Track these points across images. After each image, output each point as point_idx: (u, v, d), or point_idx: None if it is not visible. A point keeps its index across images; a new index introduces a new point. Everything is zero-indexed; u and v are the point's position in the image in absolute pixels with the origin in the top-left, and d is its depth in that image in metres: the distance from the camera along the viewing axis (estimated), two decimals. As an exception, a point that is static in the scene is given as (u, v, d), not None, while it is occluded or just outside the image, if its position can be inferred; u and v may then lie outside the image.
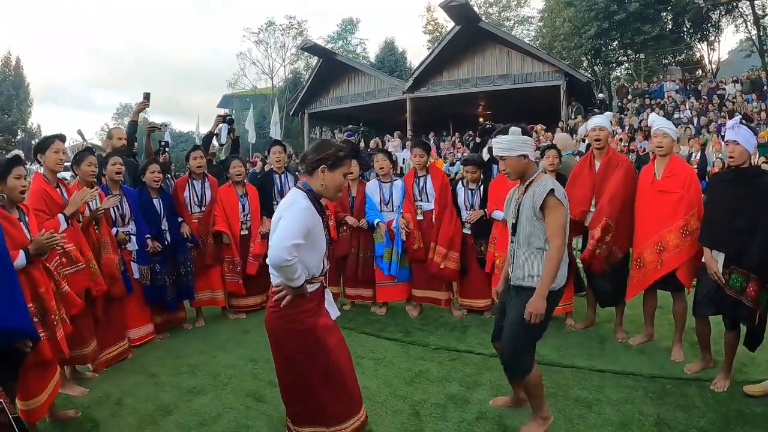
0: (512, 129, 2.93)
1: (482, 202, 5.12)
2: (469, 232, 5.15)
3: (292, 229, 2.41)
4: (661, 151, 4.11)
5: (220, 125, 6.12)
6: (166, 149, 5.66)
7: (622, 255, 4.40)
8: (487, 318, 5.16)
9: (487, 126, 6.00)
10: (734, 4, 24.47)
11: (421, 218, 5.21)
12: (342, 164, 2.62)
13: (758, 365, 3.87)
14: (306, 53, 28.89)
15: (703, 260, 3.73)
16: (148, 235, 4.47)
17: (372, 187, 5.37)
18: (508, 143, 2.92)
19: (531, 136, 3.01)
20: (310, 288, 2.61)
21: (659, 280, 4.09)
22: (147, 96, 5.56)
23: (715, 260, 3.55)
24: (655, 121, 4.26)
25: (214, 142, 6.47)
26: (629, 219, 4.30)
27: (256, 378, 3.88)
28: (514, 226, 3.00)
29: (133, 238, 4.42)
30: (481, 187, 5.17)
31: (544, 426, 3.06)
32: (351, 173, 5.27)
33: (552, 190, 2.83)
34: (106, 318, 3.94)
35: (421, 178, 5.26)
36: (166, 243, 4.68)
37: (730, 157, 3.55)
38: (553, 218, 2.85)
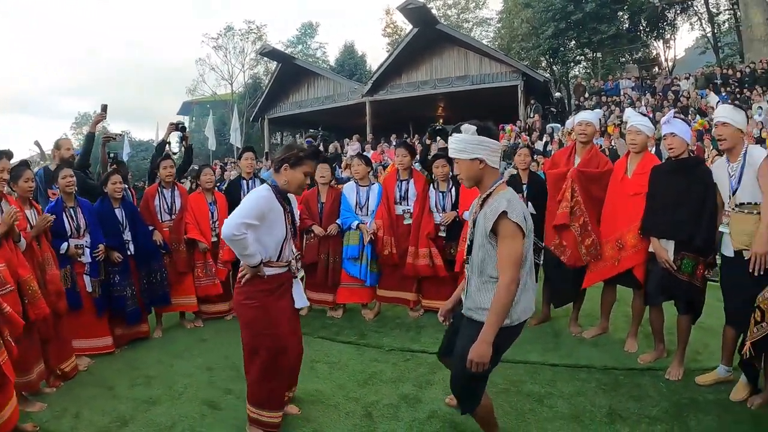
0: (464, 127, 2.45)
1: (454, 205, 5.08)
2: (444, 234, 5.08)
3: (245, 210, 2.78)
4: (635, 147, 4.09)
5: (172, 133, 6.01)
6: (115, 161, 5.54)
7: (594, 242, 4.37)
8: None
9: (438, 127, 5.98)
10: (689, 2, 25.39)
11: (410, 222, 5.11)
12: (302, 163, 2.93)
13: (711, 353, 3.92)
14: (265, 58, 28.67)
15: (650, 250, 3.77)
16: (101, 244, 4.37)
17: (349, 189, 5.31)
18: (458, 143, 2.45)
19: (494, 137, 2.47)
20: (269, 271, 2.93)
21: (621, 275, 4.12)
22: (104, 108, 5.51)
23: (664, 249, 3.62)
24: (631, 116, 4.18)
25: (168, 149, 6.31)
26: (596, 220, 4.32)
27: (212, 386, 3.81)
28: (470, 246, 2.55)
29: (87, 251, 4.32)
30: (452, 189, 5.11)
31: None
32: (322, 176, 5.25)
33: (504, 212, 2.30)
34: (57, 334, 3.81)
35: (404, 182, 5.18)
36: (128, 254, 4.63)
37: (670, 149, 3.65)
38: (505, 247, 2.32)
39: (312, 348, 4.41)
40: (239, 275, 2.98)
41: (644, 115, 4.24)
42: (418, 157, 5.84)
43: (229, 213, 5.09)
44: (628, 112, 4.36)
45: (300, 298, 3.13)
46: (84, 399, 3.65)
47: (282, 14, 66.16)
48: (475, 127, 2.42)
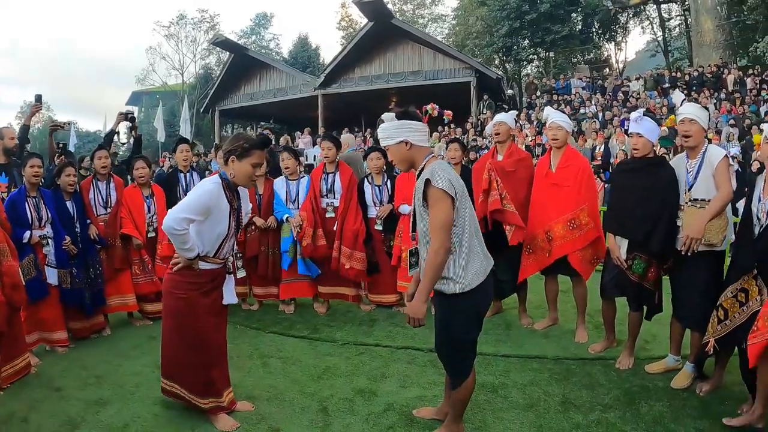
0: (385, 115, 2.64)
1: (390, 198, 5.06)
2: (380, 228, 5.07)
3: (188, 205, 2.72)
4: (556, 143, 4.24)
5: (121, 123, 5.82)
6: (65, 151, 5.35)
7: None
8: (395, 312, 5.10)
9: (392, 110, 5.92)
10: (641, 7, 26.31)
11: (332, 215, 5.07)
12: (249, 155, 2.81)
13: (660, 342, 4.03)
14: (218, 48, 28.02)
15: (607, 245, 3.83)
16: (67, 236, 4.27)
17: (279, 184, 5.22)
18: (384, 131, 2.63)
19: (415, 119, 2.63)
20: (203, 266, 2.89)
21: (559, 265, 4.22)
22: (38, 98, 5.32)
23: (618, 246, 3.66)
24: (550, 114, 4.33)
25: (116, 140, 6.09)
26: (523, 209, 4.41)
27: (163, 384, 3.64)
28: (413, 222, 2.70)
29: (50, 241, 4.23)
30: (388, 183, 5.11)
31: None
32: (260, 164, 5.04)
33: (428, 180, 2.44)
34: (10, 329, 3.59)
35: (330, 175, 5.12)
36: (80, 246, 4.46)
37: (635, 149, 3.60)
38: (434, 212, 2.44)
39: (264, 343, 4.34)
40: (172, 261, 2.94)
41: (563, 112, 4.38)
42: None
43: (168, 207, 5.01)
44: (548, 109, 4.53)
45: (229, 294, 3.08)
46: (31, 401, 3.45)
47: (236, 4, 64.63)
48: (394, 114, 2.63)
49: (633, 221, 3.55)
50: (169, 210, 2.74)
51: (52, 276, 4.20)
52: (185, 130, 19.58)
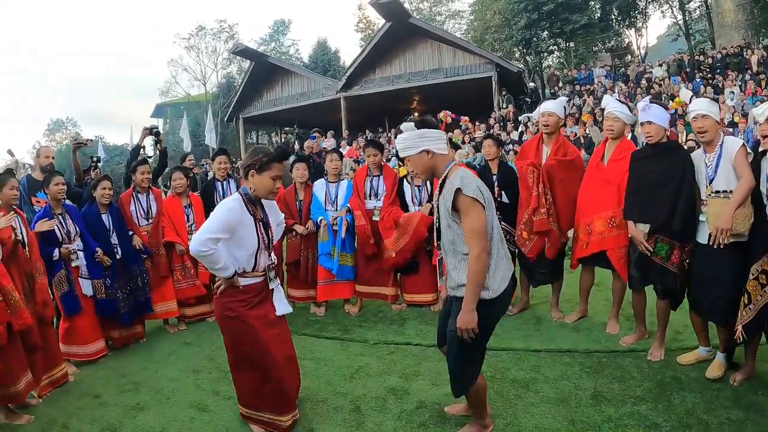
0: (404, 125, 2.63)
1: (430, 197, 5.05)
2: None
3: (211, 225, 2.76)
4: (612, 134, 4.11)
5: (146, 137, 6.01)
6: (98, 164, 5.58)
7: (565, 240, 4.48)
8: (425, 311, 5.12)
9: (410, 119, 5.93)
10: None
11: (378, 219, 5.08)
12: (268, 168, 2.83)
13: (691, 332, 3.93)
14: (238, 57, 28.38)
15: (629, 235, 3.80)
16: (98, 248, 4.42)
17: (319, 186, 5.29)
18: (404, 141, 2.61)
19: (434, 127, 2.64)
20: (244, 282, 2.91)
21: (600, 257, 4.16)
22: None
23: (640, 231, 3.64)
24: (609, 103, 4.18)
25: (143, 154, 6.31)
26: (572, 205, 4.36)
27: (199, 389, 3.78)
28: (438, 231, 2.69)
29: (81, 254, 4.37)
30: (428, 182, 5.08)
31: None
32: (301, 175, 5.23)
33: (459, 189, 2.44)
34: (44, 342, 3.75)
35: (375, 178, 5.17)
36: (117, 257, 4.64)
37: (648, 136, 3.62)
38: (468, 221, 2.45)
39: (297, 346, 4.27)
40: (215, 286, 2.97)
41: (622, 102, 4.27)
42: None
43: (206, 215, 5.15)
44: (607, 98, 4.36)
45: (282, 304, 3.11)
46: (71, 409, 3.59)
47: (254, 12, 65.49)
48: (413, 123, 2.62)
49: (654, 205, 3.55)
50: (193, 235, 2.82)
51: (86, 287, 4.38)
52: (211, 139, 19.91)
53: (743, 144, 3.21)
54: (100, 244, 4.47)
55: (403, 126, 2.64)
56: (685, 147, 3.85)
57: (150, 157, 6.50)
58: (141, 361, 4.43)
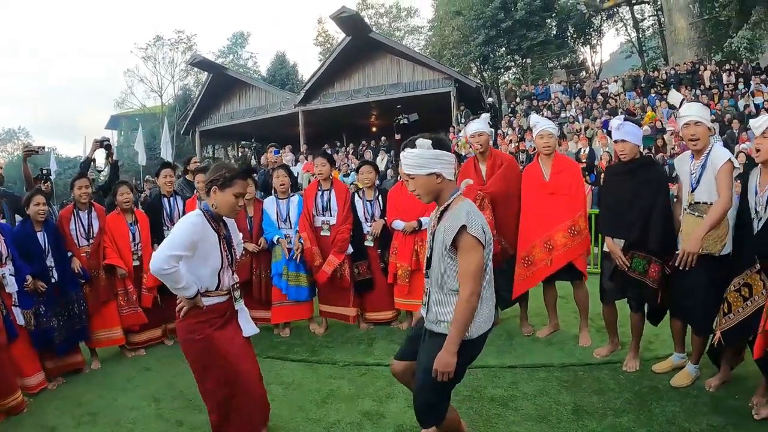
0: (419, 141, 2.40)
1: (382, 213, 4.97)
2: (371, 244, 4.98)
3: (174, 241, 2.61)
4: (548, 150, 4.19)
5: (97, 150, 5.75)
6: (49, 176, 5.24)
7: (513, 252, 4.42)
8: (393, 328, 5.02)
9: (402, 122, 5.83)
10: (615, 9, 26.81)
11: (328, 234, 4.95)
12: (231, 184, 2.73)
13: (663, 341, 4.01)
14: (196, 68, 27.95)
15: (605, 249, 3.81)
16: (29, 275, 4.01)
17: (269, 203, 5.09)
18: (415, 159, 2.38)
19: (448, 149, 2.44)
20: (208, 301, 2.76)
21: (558, 272, 4.17)
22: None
23: (617, 246, 3.63)
24: (540, 121, 4.29)
25: (94, 167, 6.02)
26: (515, 217, 4.37)
27: (161, 419, 3.51)
28: (429, 260, 2.51)
29: (12, 279, 3.93)
30: (379, 197, 5.02)
31: None
32: (243, 193, 4.95)
33: (464, 226, 2.29)
34: None
35: (326, 192, 5.02)
36: (52, 281, 4.24)
37: (622, 154, 3.62)
38: (467, 260, 2.30)
39: (263, 369, 4.02)
40: (177, 308, 2.78)
41: (549, 118, 4.37)
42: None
43: (152, 233, 4.96)
44: (535, 117, 4.47)
45: (248, 325, 2.96)
46: (25, 443, 3.30)
47: (213, 24, 64.69)
48: (430, 141, 2.38)
49: (625, 221, 3.57)
50: (154, 252, 2.62)
51: (19, 317, 3.94)
52: (166, 152, 19.40)
53: (730, 159, 3.16)
54: (35, 266, 4.09)
55: (419, 141, 2.40)
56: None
57: (101, 171, 6.19)
58: (97, 388, 4.13)
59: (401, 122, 5.72)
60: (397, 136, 5.73)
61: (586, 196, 4.16)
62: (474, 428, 3.03)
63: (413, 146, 2.41)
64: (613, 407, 3.20)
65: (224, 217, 2.86)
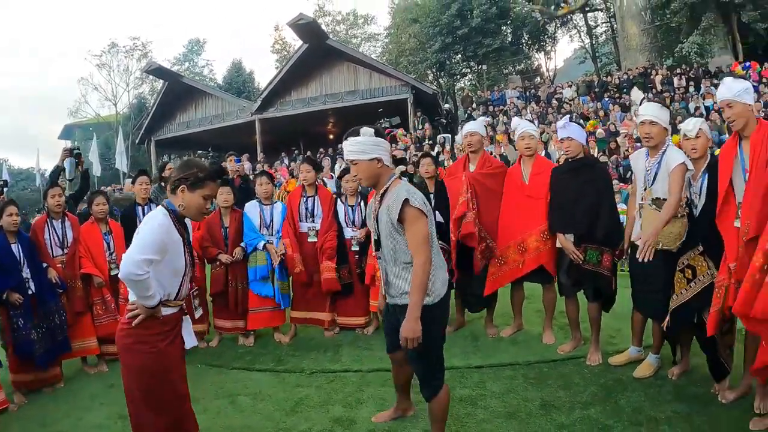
0: (364, 129, 2.65)
1: (363, 220, 4.94)
2: (357, 248, 4.95)
3: (146, 244, 2.40)
4: (529, 152, 4.29)
5: (66, 159, 5.59)
6: (4, 188, 5.14)
7: (495, 251, 4.46)
8: (359, 334, 5.00)
9: (384, 125, 5.88)
10: (569, 17, 27.63)
11: (315, 240, 4.91)
12: (202, 185, 2.55)
13: (624, 336, 4.12)
14: (151, 76, 27.41)
15: (558, 245, 3.98)
16: (5, 288, 3.94)
17: (251, 209, 5.02)
18: (360, 145, 2.62)
19: (385, 138, 2.75)
20: (166, 311, 2.54)
21: (528, 274, 4.26)
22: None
23: (569, 241, 3.83)
24: (520, 123, 4.42)
25: (63, 176, 5.88)
26: (497, 219, 4.42)
27: (129, 437, 3.37)
28: (378, 242, 2.72)
29: None
30: (362, 203, 4.99)
31: None
32: (225, 200, 4.94)
33: (407, 200, 2.52)
34: None
35: (310, 198, 4.98)
36: (30, 292, 4.13)
37: (567, 151, 3.93)
38: (414, 230, 2.53)
39: (229, 381, 4.12)
40: (128, 315, 2.50)
41: (531, 121, 4.50)
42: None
43: (127, 243, 4.75)
44: (517, 120, 4.63)
45: (190, 337, 2.73)
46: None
47: (168, 30, 63.37)
48: (373, 130, 2.65)
49: (575, 217, 3.79)
50: (123, 258, 2.39)
51: None
52: (121, 162, 18.95)
53: (683, 162, 3.29)
54: (10, 278, 3.99)
55: (363, 130, 2.63)
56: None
57: (71, 180, 6.05)
58: (62, 406, 3.97)
59: (383, 126, 5.78)
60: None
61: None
62: (446, 428, 3.03)
63: (357, 134, 2.64)
64: (580, 400, 3.28)
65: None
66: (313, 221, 4.96)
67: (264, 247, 4.84)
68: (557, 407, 3.22)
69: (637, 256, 3.24)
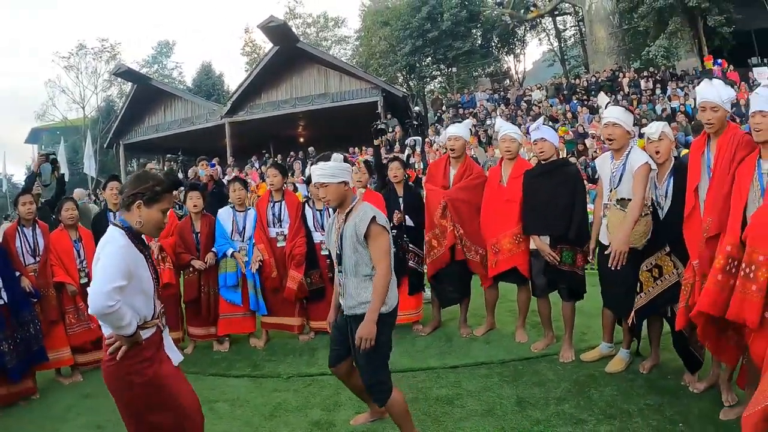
0: (335, 156, 2.91)
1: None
2: (327, 253, 4.92)
3: (111, 271, 2.20)
4: (509, 154, 4.34)
5: (42, 164, 5.58)
6: None
7: (484, 251, 4.49)
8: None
9: (380, 126, 5.88)
10: (538, 20, 28.07)
11: (284, 245, 4.92)
12: (159, 199, 2.40)
13: (595, 332, 4.22)
14: (120, 79, 26.88)
15: (532, 247, 4.06)
16: None
17: (225, 215, 4.99)
18: (330, 169, 2.87)
19: (352, 165, 3.04)
20: (145, 334, 2.34)
21: (504, 274, 4.33)
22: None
23: (545, 243, 3.90)
24: (503, 126, 4.46)
25: (38, 181, 5.80)
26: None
27: (106, 448, 3.31)
28: (339, 256, 2.95)
29: None
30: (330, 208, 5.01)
31: None
32: (195, 205, 4.92)
33: (374, 218, 2.81)
34: None
35: (277, 203, 4.98)
36: (2, 302, 4.01)
37: (541, 152, 3.98)
38: (378, 244, 2.82)
39: (206, 387, 4.05)
40: (110, 350, 2.30)
41: (514, 124, 4.55)
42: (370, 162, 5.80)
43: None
44: (500, 122, 4.65)
45: (174, 353, 2.55)
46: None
47: (137, 32, 61.99)
48: (342, 156, 2.94)
49: (550, 218, 3.87)
50: (90, 291, 2.19)
51: None
52: (89, 167, 18.53)
53: (647, 162, 3.39)
54: None
55: (335, 156, 2.90)
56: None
57: (47, 185, 5.95)
58: (36, 419, 3.87)
59: (379, 126, 5.81)
60: (376, 141, 5.81)
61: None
62: (424, 428, 3.10)
63: (328, 159, 2.89)
64: (555, 396, 3.37)
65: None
66: (281, 226, 4.97)
67: (232, 255, 4.82)
68: (532, 404, 3.30)
69: (610, 264, 3.32)
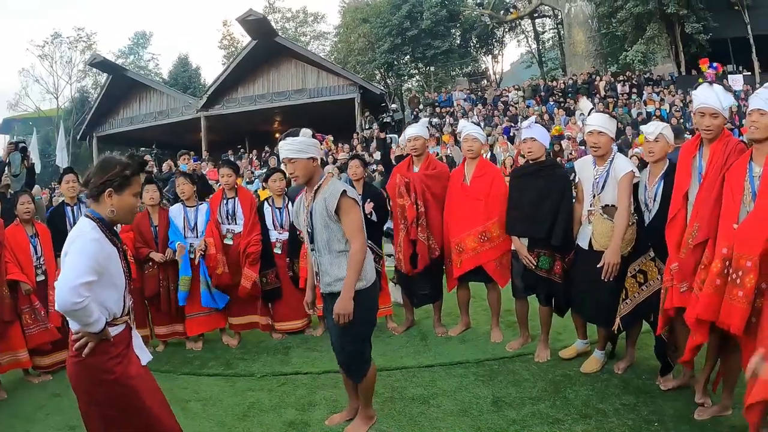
0: (303, 131, 2.87)
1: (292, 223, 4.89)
2: (279, 251, 4.90)
3: (80, 266, 2.09)
4: (471, 154, 4.35)
5: (11, 153, 5.43)
6: None
7: (439, 252, 4.51)
8: (307, 336, 4.96)
9: (386, 120, 5.88)
10: (517, 22, 28.29)
11: (231, 243, 4.86)
12: (130, 184, 2.29)
13: (571, 332, 4.20)
14: (95, 69, 26.34)
15: (513, 248, 4.05)
16: None
17: (175, 211, 4.89)
18: (299, 144, 2.82)
19: (320, 142, 3.02)
20: (114, 331, 2.25)
21: (472, 273, 4.32)
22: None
23: (523, 245, 3.87)
24: (466, 126, 4.48)
25: (7, 171, 5.64)
26: (441, 220, 4.48)
27: (77, 449, 3.19)
28: (311, 234, 2.93)
29: None
30: (289, 205, 4.93)
31: (369, 423, 3.08)
32: (151, 198, 4.80)
33: (344, 192, 2.79)
34: None
35: (230, 201, 4.93)
36: None
37: (529, 152, 3.89)
38: (350, 219, 2.81)
39: (179, 386, 3.99)
40: (76, 345, 2.20)
41: (477, 124, 4.55)
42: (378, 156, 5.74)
43: (55, 247, 4.54)
44: (463, 122, 4.70)
45: (143, 352, 2.43)
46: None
47: (113, 22, 60.53)
48: (311, 131, 2.88)
49: (533, 220, 3.80)
50: (56, 286, 2.08)
51: None
52: (62, 159, 18.11)
53: (631, 171, 3.39)
54: None
55: (303, 131, 2.84)
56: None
57: (16, 176, 5.75)
58: (5, 418, 3.74)
59: (385, 120, 5.84)
60: (382, 135, 5.82)
61: (504, 203, 4.27)
62: (399, 427, 3.08)
63: (297, 134, 2.84)
64: (530, 396, 3.38)
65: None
66: (235, 223, 4.93)
67: (178, 247, 4.70)
68: (508, 403, 3.30)
69: (603, 276, 3.32)
